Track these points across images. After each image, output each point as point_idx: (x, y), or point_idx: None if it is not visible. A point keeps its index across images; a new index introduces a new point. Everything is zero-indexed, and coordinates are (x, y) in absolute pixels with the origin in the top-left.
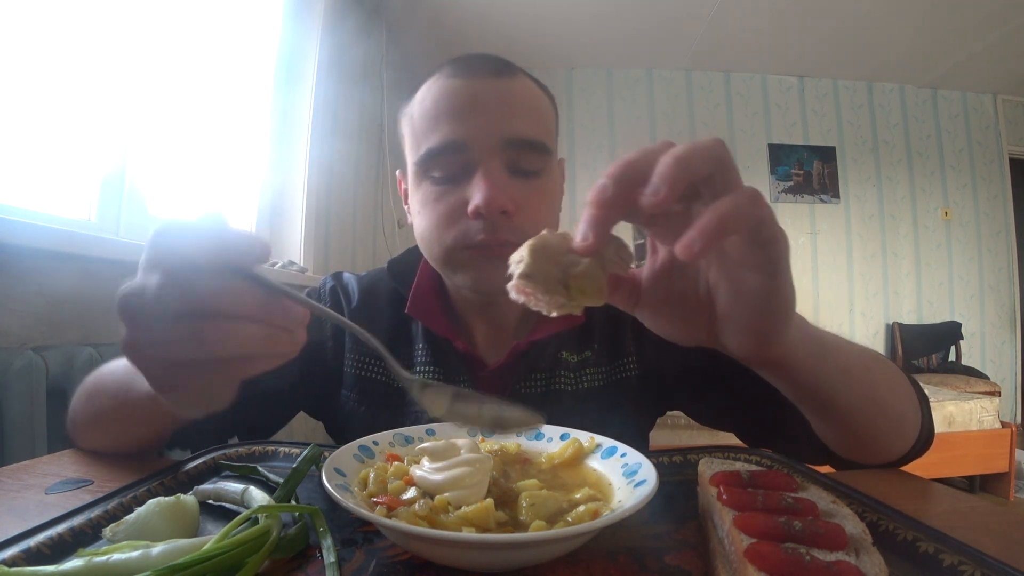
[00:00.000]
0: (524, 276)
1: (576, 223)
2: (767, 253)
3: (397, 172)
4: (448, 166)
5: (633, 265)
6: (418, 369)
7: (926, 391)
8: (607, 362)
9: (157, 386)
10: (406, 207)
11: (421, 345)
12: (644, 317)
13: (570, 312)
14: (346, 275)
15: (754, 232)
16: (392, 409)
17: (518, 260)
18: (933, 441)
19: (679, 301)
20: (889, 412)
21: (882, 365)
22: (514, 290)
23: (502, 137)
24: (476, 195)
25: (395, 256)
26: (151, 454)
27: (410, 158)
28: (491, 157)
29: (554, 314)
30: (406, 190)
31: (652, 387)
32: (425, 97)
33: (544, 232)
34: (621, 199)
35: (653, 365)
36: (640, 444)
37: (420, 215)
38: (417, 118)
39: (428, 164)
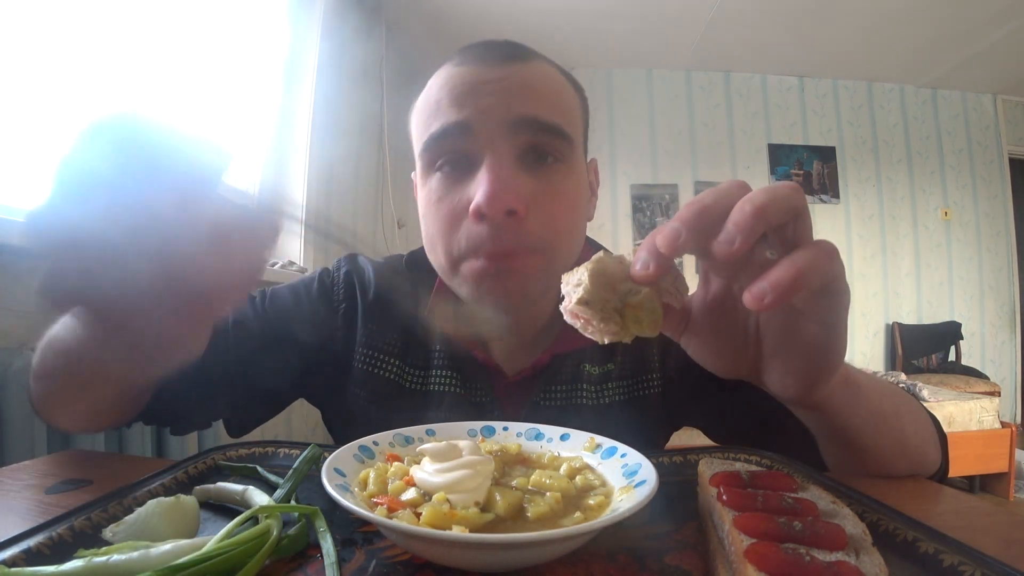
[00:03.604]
0: (583, 302)
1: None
2: (831, 307)
3: (412, 175)
4: (453, 154)
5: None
6: (435, 372)
7: (926, 392)
8: (630, 376)
9: (117, 339)
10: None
11: (439, 347)
12: (689, 347)
13: (621, 340)
14: (361, 259)
15: (825, 287)
16: (403, 411)
17: (576, 283)
18: (946, 476)
19: (727, 335)
20: (912, 454)
21: (909, 406)
22: (569, 315)
23: (511, 117)
24: (478, 192)
25: (414, 250)
26: (123, 425)
27: (416, 148)
28: (499, 143)
29: (606, 341)
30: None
31: (672, 404)
32: (432, 86)
33: (601, 254)
34: (692, 244)
35: (676, 382)
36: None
37: (425, 217)
38: (421, 108)
39: (432, 152)
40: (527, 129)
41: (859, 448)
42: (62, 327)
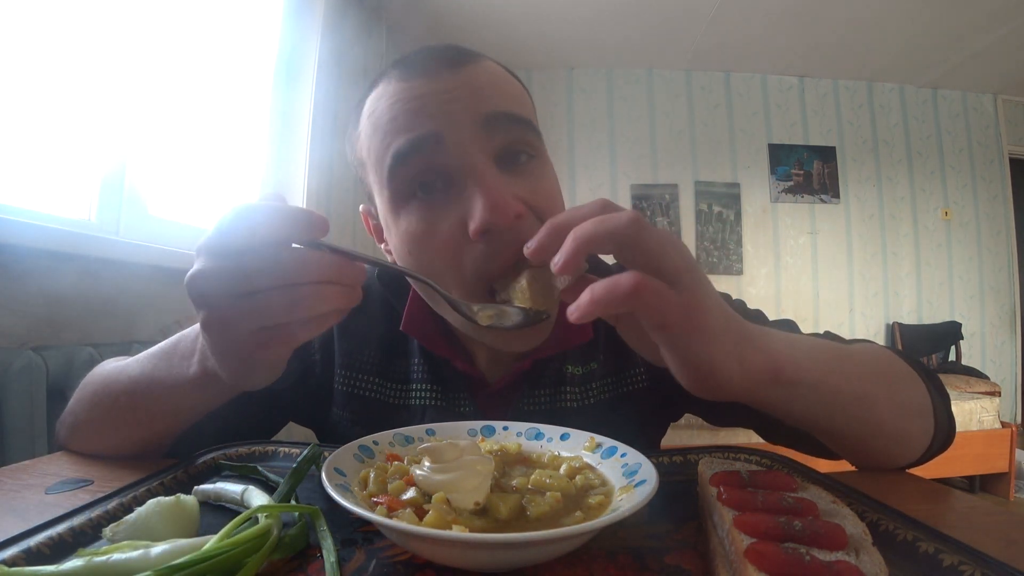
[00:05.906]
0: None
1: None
2: (669, 340)
3: (361, 208)
4: (426, 174)
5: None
6: (415, 386)
7: None
8: (614, 373)
9: (231, 357)
10: (381, 246)
11: (417, 360)
12: (622, 334)
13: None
14: None
15: (652, 322)
16: (386, 428)
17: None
18: (952, 442)
19: (637, 331)
20: (886, 432)
21: (886, 386)
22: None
23: (480, 117)
24: (476, 208)
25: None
26: (151, 457)
27: (374, 179)
28: (474, 151)
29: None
30: (375, 226)
31: (663, 395)
32: (377, 108)
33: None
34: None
35: (663, 373)
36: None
37: (411, 254)
38: (371, 134)
39: (400, 177)
40: (500, 127)
41: (823, 431)
42: (125, 371)
